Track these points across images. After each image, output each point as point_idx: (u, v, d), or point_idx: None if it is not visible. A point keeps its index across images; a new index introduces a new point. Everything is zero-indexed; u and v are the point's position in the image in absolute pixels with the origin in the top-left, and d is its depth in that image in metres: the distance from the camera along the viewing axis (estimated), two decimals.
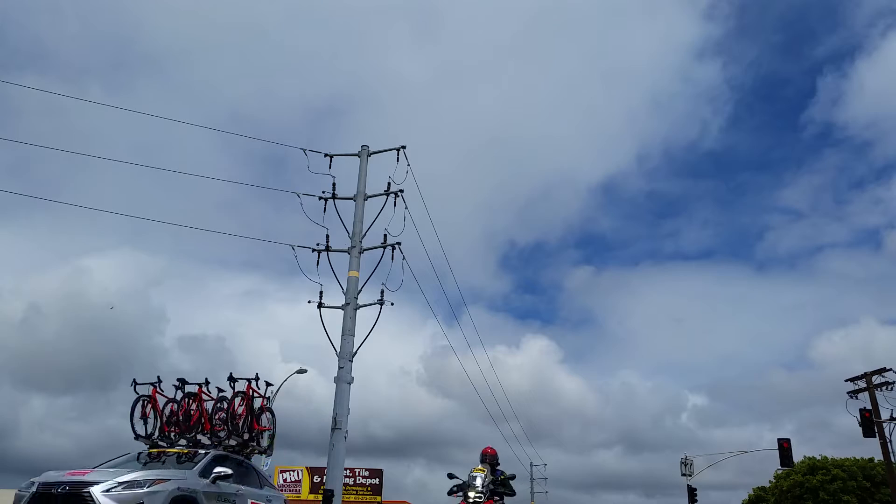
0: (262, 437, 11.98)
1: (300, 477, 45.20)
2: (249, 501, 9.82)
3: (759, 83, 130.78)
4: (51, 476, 8.14)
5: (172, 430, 11.10)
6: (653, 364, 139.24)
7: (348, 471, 41.97)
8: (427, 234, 17.02)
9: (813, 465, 40.97)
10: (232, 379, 11.72)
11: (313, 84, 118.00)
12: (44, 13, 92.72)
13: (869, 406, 26.35)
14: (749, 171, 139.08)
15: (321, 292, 15.21)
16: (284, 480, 44.99)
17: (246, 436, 11.44)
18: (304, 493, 43.79)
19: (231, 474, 9.27)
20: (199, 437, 11.10)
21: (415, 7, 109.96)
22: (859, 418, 26.02)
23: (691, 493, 33.85)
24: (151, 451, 10.34)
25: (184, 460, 9.62)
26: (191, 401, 11.37)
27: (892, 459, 25.87)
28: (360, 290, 15.14)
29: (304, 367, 29.42)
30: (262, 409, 12.13)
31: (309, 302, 15.24)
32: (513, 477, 10.22)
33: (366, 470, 43.62)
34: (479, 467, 9.89)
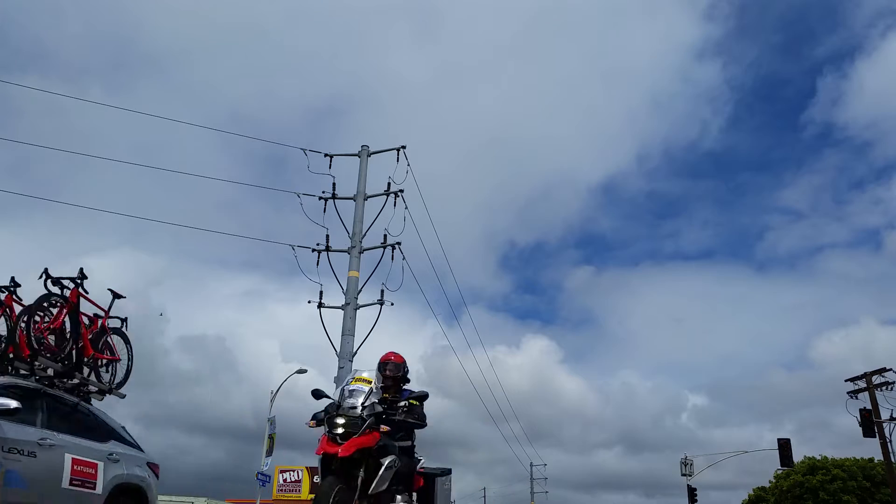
0: (103, 369, 8.64)
1: (300, 477, 45.22)
2: (69, 457, 6.91)
3: (759, 83, 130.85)
4: None
5: None
6: (653, 364, 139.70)
7: None
8: (427, 234, 17.07)
9: (813, 465, 40.95)
10: (51, 278, 7.97)
11: (313, 84, 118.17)
12: (45, 13, 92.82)
13: (869, 406, 26.40)
14: (749, 172, 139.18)
15: (321, 292, 15.23)
16: (284, 480, 45.04)
17: (68, 363, 7.93)
18: (304, 493, 43.80)
19: (15, 410, 6.17)
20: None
21: (415, 7, 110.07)
22: (859, 418, 26.07)
23: (691, 493, 33.86)
24: None
25: None
26: None
27: (892, 459, 25.90)
28: (360, 290, 15.14)
29: (304, 368, 29.29)
30: (104, 328, 8.72)
31: (309, 302, 15.27)
32: (424, 396, 6.59)
33: None
34: (364, 375, 6.25)
